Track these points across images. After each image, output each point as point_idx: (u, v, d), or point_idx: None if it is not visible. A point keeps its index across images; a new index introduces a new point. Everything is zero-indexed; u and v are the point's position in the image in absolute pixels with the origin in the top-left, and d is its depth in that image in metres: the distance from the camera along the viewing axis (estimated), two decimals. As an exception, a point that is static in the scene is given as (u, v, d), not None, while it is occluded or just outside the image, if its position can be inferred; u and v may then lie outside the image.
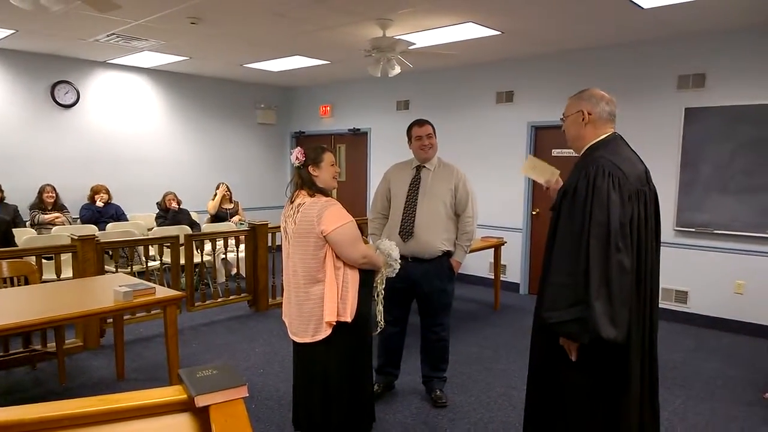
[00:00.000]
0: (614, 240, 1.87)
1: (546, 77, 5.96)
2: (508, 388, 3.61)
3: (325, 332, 2.48)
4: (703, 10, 4.24)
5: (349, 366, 2.58)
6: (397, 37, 4.83)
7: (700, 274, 5.06)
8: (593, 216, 1.89)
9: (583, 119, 2.10)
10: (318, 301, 2.48)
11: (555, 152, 5.94)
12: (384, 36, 4.82)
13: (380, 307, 2.86)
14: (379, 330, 2.88)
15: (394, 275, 2.85)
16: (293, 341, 2.64)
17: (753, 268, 4.79)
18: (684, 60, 5.06)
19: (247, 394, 1.56)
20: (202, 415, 1.54)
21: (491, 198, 6.22)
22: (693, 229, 5.02)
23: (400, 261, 2.83)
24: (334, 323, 2.47)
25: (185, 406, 1.55)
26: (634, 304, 1.97)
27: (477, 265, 6.39)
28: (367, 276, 2.61)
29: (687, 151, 5.01)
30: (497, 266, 5.59)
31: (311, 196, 2.51)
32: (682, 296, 5.16)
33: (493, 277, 5.87)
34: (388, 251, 2.80)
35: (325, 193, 2.57)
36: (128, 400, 1.51)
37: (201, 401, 1.50)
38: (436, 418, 3.19)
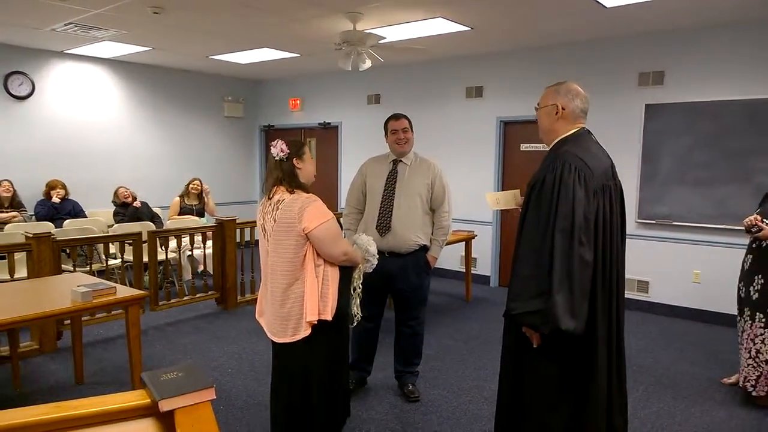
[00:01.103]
0: (578, 234, 1.91)
1: (515, 73, 6.02)
2: (480, 380, 3.64)
3: (305, 331, 2.41)
4: (663, 10, 4.35)
5: (330, 363, 2.53)
6: (368, 31, 4.78)
7: (661, 264, 5.21)
8: (558, 210, 1.93)
9: (556, 113, 2.13)
10: (297, 300, 2.41)
11: (523, 147, 6.02)
12: (354, 29, 4.76)
13: (358, 301, 2.83)
14: (355, 323, 2.84)
15: (371, 270, 2.81)
16: (272, 341, 2.57)
17: (709, 258, 4.97)
18: (644, 58, 5.19)
19: (215, 397, 1.51)
20: (167, 420, 1.47)
21: (461, 192, 6.23)
22: (654, 221, 5.16)
23: (377, 256, 2.80)
24: (315, 322, 2.41)
25: (149, 411, 1.49)
26: (599, 297, 2.02)
27: (448, 258, 6.42)
28: (345, 272, 2.56)
29: (647, 145, 5.14)
30: (468, 259, 5.64)
31: (290, 192, 2.42)
32: (643, 286, 5.31)
33: (464, 270, 5.92)
34: (366, 246, 2.76)
35: (305, 188, 2.48)
36: (87, 407, 1.44)
37: (165, 405, 1.44)
38: (409, 412, 3.19)
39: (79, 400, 1.46)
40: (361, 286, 2.82)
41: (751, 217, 3.25)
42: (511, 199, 2.63)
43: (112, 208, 6.26)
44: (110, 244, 4.90)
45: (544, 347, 2.02)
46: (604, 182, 2.03)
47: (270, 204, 2.45)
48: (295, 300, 2.40)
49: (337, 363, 2.59)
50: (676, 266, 5.13)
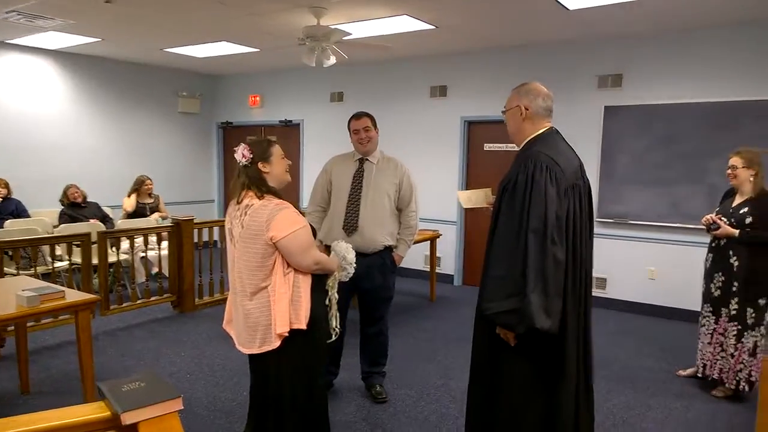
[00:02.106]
0: (550, 233, 1.92)
1: (478, 73, 6.06)
2: (447, 379, 3.62)
3: (275, 343, 2.26)
4: (624, 14, 4.44)
5: (303, 376, 2.36)
6: (333, 27, 4.69)
7: (618, 261, 5.36)
8: (531, 210, 1.93)
9: (521, 114, 2.15)
10: (265, 310, 2.26)
11: (487, 146, 6.07)
12: (318, 24, 4.66)
13: (335, 313, 2.68)
14: (334, 338, 2.70)
15: (347, 279, 2.67)
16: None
17: (664, 256, 5.14)
18: (603, 61, 5.33)
19: (182, 407, 1.41)
20: (129, 434, 1.36)
21: (425, 191, 6.19)
22: (611, 220, 5.30)
23: (354, 264, 2.68)
24: (287, 334, 2.26)
25: (109, 425, 1.37)
26: (569, 295, 2.03)
27: (412, 257, 6.39)
28: (318, 280, 2.41)
29: (606, 146, 5.28)
30: (433, 259, 5.63)
31: (260, 197, 2.27)
32: (601, 283, 5.45)
33: (428, 270, 5.91)
34: (343, 254, 2.61)
35: (277, 193, 2.33)
36: (41, 421, 1.31)
37: (128, 418, 1.32)
38: (377, 414, 3.13)
39: (32, 415, 1.33)
40: (337, 295, 2.68)
41: (709, 216, 3.36)
42: (483, 197, 2.62)
43: (57, 207, 5.91)
44: (56, 246, 4.61)
45: (518, 347, 2.02)
46: (574, 181, 2.06)
47: (239, 208, 2.29)
48: (262, 310, 2.26)
49: (313, 377, 2.40)
50: (633, 264, 5.28)
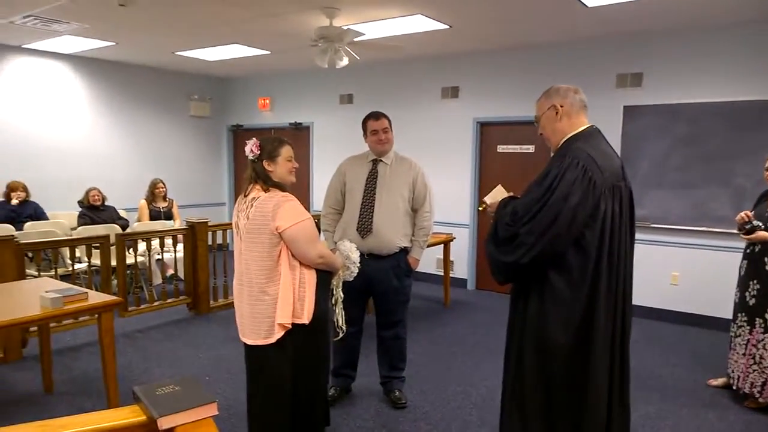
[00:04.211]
0: (538, 244, 1.94)
1: (491, 73, 6.02)
2: (467, 386, 3.58)
3: (278, 334, 2.33)
4: (645, 10, 4.37)
5: (305, 370, 2.44)
6: (345, 27, 4.68)
7: (639, 266, 5.17)
8: (543, 210, 1.94)
9: (557, 113, 2.09)
10: (271, 302, 2.33)
11: (500, 148, 6.03)
12: (331, 25, 4.66)
13: (340, 311, 2.72)
14: (340, 336, 2.74)
15: (351, 279, 2.71)
16: (244, 344, 2.46)
17: (687, 260, 5.04)
18: (623, 59, 5.25)
19: (217, 413, 1.40)
20: (164, 439, 1.35)
21: (437, 194, 6.11)
22: (631, 223, 5.23)
23: (358, 264, 2.70)
24: (289, 326, 2.33)
25: (144, 429, 1.36)
26: (603, 301, 1.99)
27: (424, 261, 6.33)
28: (324, 277, 2.48)
29: (626, 147, 5.19)
30: (446, 262, 5.58)
31: (266, 190, 2.37)
32: (620, 288, 5.36)
33: (440, 273, 5.87)
34: (347, 253, 2.67)
35: (282, 187, 2.42)
36: (76, 425, 1.30)
37: (165, 423, 1.31)
38: (396, 420, 3.09)
39: (66, 418, 1.32)
40: (342, 295, 2.71)
41: (744, 213, 3.19)
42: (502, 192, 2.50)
43: (75, 210, 5.95)
44: (76, 248, 4.63)
45: (541, 354, 2.01)
46: (614, 182, 2.00)
47: (245, 201, 2.39)
48: (268, 301, 2.32)
49: (314, 369, 2.49)
50: (655, 268, 5.16)
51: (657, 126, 5.06)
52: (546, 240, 1.93)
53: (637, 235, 5.58)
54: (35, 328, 3.65)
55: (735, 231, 3.36)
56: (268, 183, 2.38)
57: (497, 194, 2.32)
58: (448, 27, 4.97)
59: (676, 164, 4.98)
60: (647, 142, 5.12)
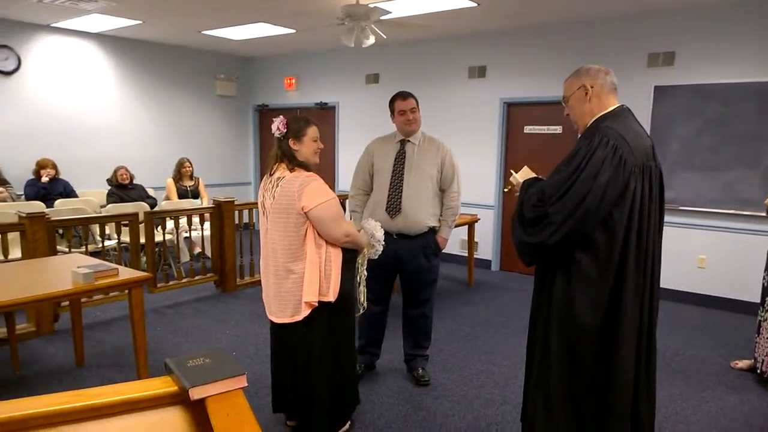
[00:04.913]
0: (569, 221, 1.90)
1: (519, 53, 5.90)
2: (490, 365, 3.59)
3: (305, 312, 2.37)
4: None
5: (332, 347, 2.48)
6: (372, 5, 4.62)
7: (666, 249, 5.10)
8: (571, 189, 1.91)
9: (586, 94, 2.05)
10: (298, 281, 2.36)
11: (527, 129, 5.93)
12: (358, 3, 4.60)
13: (362, 289, 2.75)
14: (361, 312, 2.78)
15: (376, 257, 2.75)
16: (271, 322, 2.51)
17: (715, 243, 4.95)
18: (654, 38, 5.09)
19: (246, 384, 1.42)
20: (196, 409, 1.37)
21: (462, 175, 6.13)
22: (660, 206, 5.11)
23: (383, 242, 2.72)
24: (315, 304, 2.35)
25: (176, 400, 1.38)
26: (631, 282, 1.96)
27: (449, 242, 6.31)
28: (349, 255, 2.51)
29: (656, 128, 5.06)
30: (471, 243, 5.56)
31: (291, 170, 2.39)
32: (647, 271, 5.28)
33: (464, 254, 5.85)
34: (372, 231, 2.71)
35: (306, 167, 2.44)
36: (110, 395, 1.33)
37: (196, 393, 1.33)
38: (419, 396, 3.12)
39: (100, 388, 1.35)
40: (366, 273, 2.74)
41: None
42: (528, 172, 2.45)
43: (103, 188, 6.08)
44: (105, 225, 4.74)
45: (568, 335, 2.00)
46: (644, 162, 1.96)
47: (271, 181, 2.41)
48: (295, 280, 2.35)
49: (341, 348, 2.52)
50: (682, 251, 5.08)
51: (688, 107, 4.92)
52: (575, 219, 1.90)
53: (666, 218, 5.49)
54: (66, 303, 3.77)
55: (764, 214, 3.27)
56: (293, 162, 2.40)
57: (524, 174, 2.29)
58: (475, 5, 4.87)
59: (707, 146, 4.85)
60: (677, 123, 4.98)
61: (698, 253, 5.05)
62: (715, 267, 4.97)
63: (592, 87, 2.03)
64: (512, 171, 2.34)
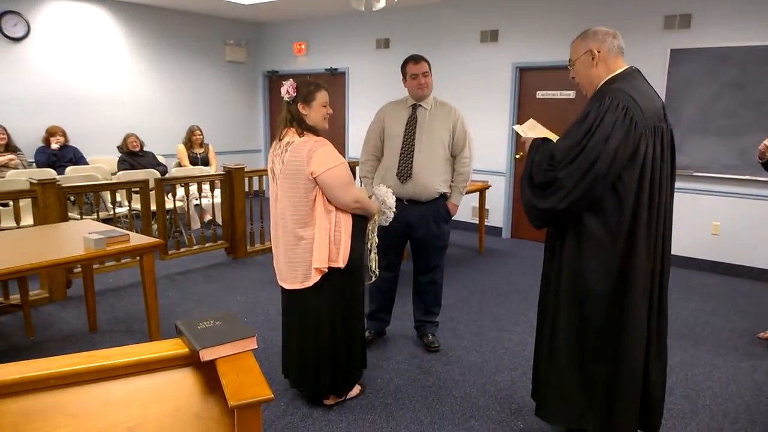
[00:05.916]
0: (580, 184, 1.88)
1: (532, 16, 5.73)
2: (500, 331, 3.60)
3: (315, 277, 2.37)
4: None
5: (341, 313, 2.49)
6: (382, -34, 4.48)
7: (678, 215, 5.04)
8: (581, 155, 1.87)
9: (593, 58, 2.00)
10: (308, 246, 2.36)
11: (540, 94, 5.80)
12: (367, -36, 4.46)
13: (374, 256, 2.74)
14: (373, 279, 2.77)
15: (387, 224, 2.73)
16: (281, 288, 2.51)
17: (729, 210, 4.87)
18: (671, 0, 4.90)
19: (256, 346, 1.42)
20: (206, 370, 1.39)
21: (474, 141, 6.07)
22: (674, 173, 5.02)
23: (394, 209, 2.69)
24: (325, 269, 2.35)
25: (186, 361, 1.40)
26: (642, 245, 1.93)
27: (460, 209, 6.28)
28: (359, 222, 2.49)
29: (671, 93, 4.93)
30: (482, 210, 5.53)
31: (300, 134, 2.36)
32: (659, 239, 5.23)
33: (475, 222, 5.82)
34: (383, 198, 2.67)
35: (316, 132, 2.41)
36: (121, 356, 1.34)
37: (206, 355, 1.35)
38: (429, 362, 3.15)
39: (112, 350, 1.37)
40: (377, 239, 2.72)
41: (767, 142, 3.05)
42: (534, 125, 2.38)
43: (113, 155, 6.09)
44: (116, 192, 4.76)
45: (578, 300, 2.00)
46: (655, 123, 1.93)
47: (280, 146, 2.39)
48: (305, 246, 2.35)
49: (350, 314, 2.53)
50: (695, 218, 5.03)
51: (704, 70, 4.77)
52: (585, 184, 1.88)
53: (679, 185, 5.42)
54: (79, 270, 3.81)
55: None
56: (302, 126, 2.37)
57: (530, 126, 2.23)
58: (488, -37, 4.70)
59: (723, 111, 4.72)
60: (694, 87, 4.85)
61: (712, 220, 4.98)
62: (728, 234, 4.91)
63: (599, 52, 1.99)
64: (518, 125, 2.28)
